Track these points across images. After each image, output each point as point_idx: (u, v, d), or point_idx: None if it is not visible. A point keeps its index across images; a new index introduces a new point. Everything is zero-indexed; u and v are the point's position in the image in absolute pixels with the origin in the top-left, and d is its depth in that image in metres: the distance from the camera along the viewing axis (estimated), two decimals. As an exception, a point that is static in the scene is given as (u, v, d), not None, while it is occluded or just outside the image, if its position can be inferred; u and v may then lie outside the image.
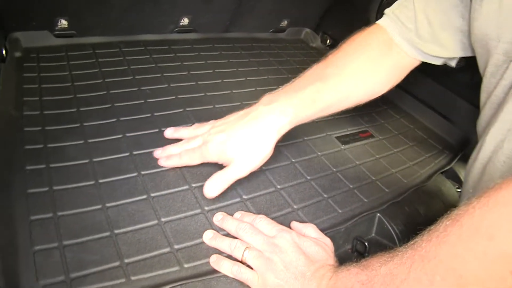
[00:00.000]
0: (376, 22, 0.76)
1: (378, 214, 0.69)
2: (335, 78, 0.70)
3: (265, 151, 0.65)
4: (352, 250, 0.66)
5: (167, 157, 0.69)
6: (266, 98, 0.69)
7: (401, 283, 0.43)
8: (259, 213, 0.62)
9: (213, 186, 0.63)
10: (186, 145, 0.70)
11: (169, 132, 0.74)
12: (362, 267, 0.49)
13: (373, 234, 0.70)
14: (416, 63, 0.75)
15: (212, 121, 0.72)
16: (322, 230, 0.61)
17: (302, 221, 0.64)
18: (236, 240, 0.57)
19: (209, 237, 0.58)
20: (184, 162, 0.68)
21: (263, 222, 0.59)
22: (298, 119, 0.67)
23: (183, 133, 0.73)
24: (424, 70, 0.98)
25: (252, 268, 0.54)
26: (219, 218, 0.61)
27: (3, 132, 0.65)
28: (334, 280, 0.50)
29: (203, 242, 0.57)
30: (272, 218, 0.61)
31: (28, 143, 0.66)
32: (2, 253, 0.49)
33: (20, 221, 0.54)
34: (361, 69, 0.73)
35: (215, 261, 0.55)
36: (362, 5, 1.13)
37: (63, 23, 0.91)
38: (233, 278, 0.54)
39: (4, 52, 0.83)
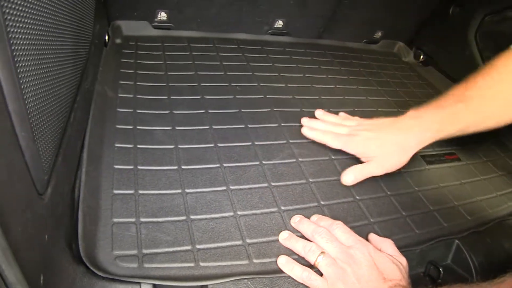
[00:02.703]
0: None
1: (457, 241, 0.66)
2: (476, 100, 0.70)
3: (403, 159, 0.71)
4: (425, 274, 0.63)
5: (311, 128, 0.76)
6: (412, 112, 0.73)
7: None
8: (334, 221, 0.61)
9: (351, 174, 0.69)
10: (331, 127, 0.77)
11: (320, 113, 0.81)
12: None
13: (449, 261, 0.67)
14: None
15: (357, 117, 0.81)
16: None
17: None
18: (311, 243, 0.56)
19: (284, 237, 0.57)
20: (324, 140, 0.75)
21: (341, 230, 0.58)
22: (440, 135, 0.71)
23: (330, 118, 0.80)
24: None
25: (321, 275, 0.53)
26: (296, 220, 0.60)
27: (99, 110, 0.68)
28: None
29: (275, 240, 0.57)
30: (347, 228, 0.59)
31: (119, 123, 0.69)
32: (85, 219, 0.51)
33: (104, 193, 0.57)
34: (505, 92, 0.70)
35: (285, 264, 0.54)
36: (460, 22, 1.08)
37: (163, 15, 0.95)
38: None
39: (106, 37, 0.88)
